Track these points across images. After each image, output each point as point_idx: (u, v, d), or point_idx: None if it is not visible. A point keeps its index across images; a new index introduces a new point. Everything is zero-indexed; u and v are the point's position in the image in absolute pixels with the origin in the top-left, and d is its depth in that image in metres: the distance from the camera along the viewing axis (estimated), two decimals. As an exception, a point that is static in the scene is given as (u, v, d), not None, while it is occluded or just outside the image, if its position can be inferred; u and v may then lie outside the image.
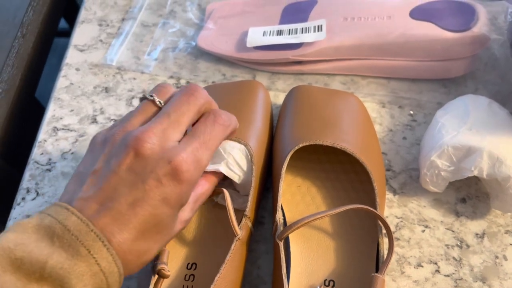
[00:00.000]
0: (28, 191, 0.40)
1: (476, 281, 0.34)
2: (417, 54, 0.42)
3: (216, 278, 0.28)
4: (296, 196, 0.36)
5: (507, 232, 0.36)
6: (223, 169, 0.32)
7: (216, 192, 0.33)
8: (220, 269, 0.29)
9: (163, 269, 0.28)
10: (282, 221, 0.32)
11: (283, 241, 0.31)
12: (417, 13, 0.43)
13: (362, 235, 0.34)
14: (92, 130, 0.43)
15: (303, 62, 0.45)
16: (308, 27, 0.44)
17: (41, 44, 0.52)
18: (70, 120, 0.44)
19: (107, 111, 0.44)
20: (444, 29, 0.41)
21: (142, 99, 0.30)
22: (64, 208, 0.25)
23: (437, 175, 0.35)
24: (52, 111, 0.45)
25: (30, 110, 0.50)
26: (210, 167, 0.32)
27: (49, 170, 0.41)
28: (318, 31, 0.44)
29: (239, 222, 0.32)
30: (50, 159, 0.42)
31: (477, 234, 0.36)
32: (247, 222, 0.32)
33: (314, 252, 0.33)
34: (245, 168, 0.34)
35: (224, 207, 0.32)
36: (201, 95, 0.29)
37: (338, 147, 0.34)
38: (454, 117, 0.37)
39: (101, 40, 0.50)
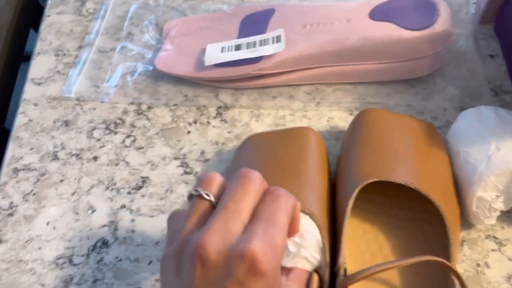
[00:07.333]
0: (-10, 239, 0.38)
1: (458, 292, 0.32)
2: (379, 56, 0.41)
3: None
4: (358, 232, 0.34)
5: (487, 237, 0.35)
6: (292, 262, 0.29)
7: None
8: None
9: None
10: (345, 265, 0.29)
11: None
12: (377, 14, 0.41)
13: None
14: (54, 167, 0.42)
15: (266, 75, 0.43)
16: (267, 39, 0.43)
17: (2, 81, 0.51)
18: (31, 159, 0.42)
19: (68, 146, 0.43)
20: (404, 29, 0.39)
21: (190, 197, 0.26)
22: None
23: (489, 209, 0.33)
24: (11, 151, 0.43)
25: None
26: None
27: (11, 214, 0.39)
28: (276, 42, 0.42)
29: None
30: (11, 203, 0.40)
31: (455, 242, 0.35)
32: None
33: None
34: (314, 243, 0.29)
35: None
36: (255, 176, 0.26)
37: (412, 187, 0.31)
38: (472, 140, 0.34)
39: (58, 71, 0.48)
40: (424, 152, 0.34)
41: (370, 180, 0.31)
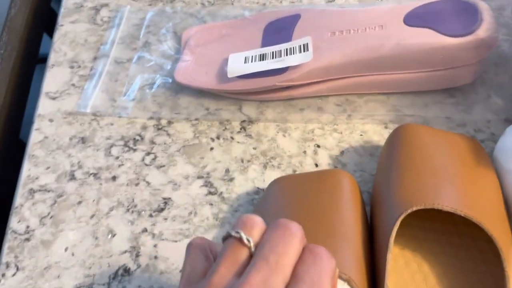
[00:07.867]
0: (7, 266, 0.37)
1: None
2: (417, 65, 0.37)
3: None
4: (399, 261, 0.31)
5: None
6: None
7: None
8: None
9: None
10: None
11: None
12: (412, 19, 0.38)
13: None
14: (71, 188, 0.39)
15: (292, 86, 0.41)
16: (293, 48, 0.40)
17: (16, 93, 0.49)
18: (47, 179, 0.40)
19: (86, 164, 0.41)
20: (444, 35, 0.36)
21: (226, 237, 0.24)
22: None
23: None
24: (27, 170, 0.41)
25: (15, 155, 0.46)
26: None
27: (27, 239, 0.38)
28: (303, 51, 0.39)
29: None
30: (28, 227, 0.38)
31: None
32: None
33: None
34: None
35: None
36: (297, 229, 0.23)
37: (462, 215, 0.28)
38: None
39: (73, 84, 0.46)
40: (472, 173, 0.31)
41: (415, 208, 0.28)
